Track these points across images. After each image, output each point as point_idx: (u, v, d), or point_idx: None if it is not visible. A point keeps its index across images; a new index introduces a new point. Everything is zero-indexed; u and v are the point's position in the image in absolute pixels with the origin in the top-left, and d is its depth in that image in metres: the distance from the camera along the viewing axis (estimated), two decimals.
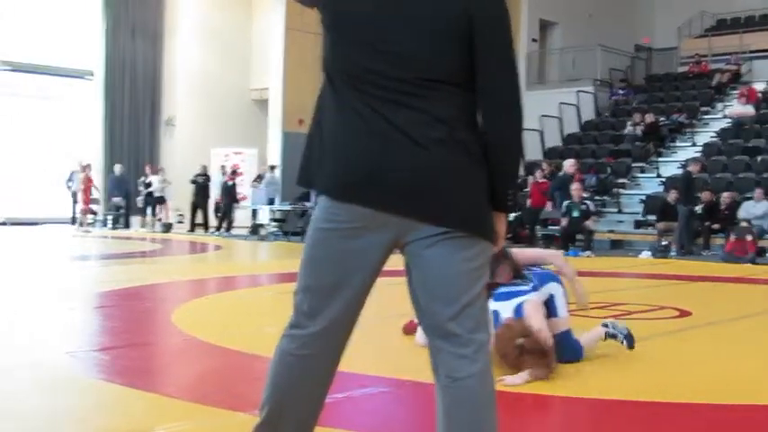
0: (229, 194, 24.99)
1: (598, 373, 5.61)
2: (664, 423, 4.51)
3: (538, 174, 21.30)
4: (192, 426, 4.19)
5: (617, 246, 21.22)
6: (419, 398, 4.89)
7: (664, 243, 19.13)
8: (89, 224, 25.35)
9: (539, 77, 31.48)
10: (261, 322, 7.61)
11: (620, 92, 29.97)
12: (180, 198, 26.84)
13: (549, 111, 27.75)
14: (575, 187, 19.42)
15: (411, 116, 2.64)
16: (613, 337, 5.99)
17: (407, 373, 5.40)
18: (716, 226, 19.31)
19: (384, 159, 2.64)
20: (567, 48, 31.40)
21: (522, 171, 25.06)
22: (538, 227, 20.80)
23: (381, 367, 5.63)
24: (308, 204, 22.06)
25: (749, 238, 16.95)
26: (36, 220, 26.85)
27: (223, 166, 26.43)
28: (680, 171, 21.48)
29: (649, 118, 25.88)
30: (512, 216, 21.47)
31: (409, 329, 6.53)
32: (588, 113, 29.11)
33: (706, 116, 27.53)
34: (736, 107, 25.50)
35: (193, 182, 25.82)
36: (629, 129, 26.21)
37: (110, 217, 27.05)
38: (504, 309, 5.52)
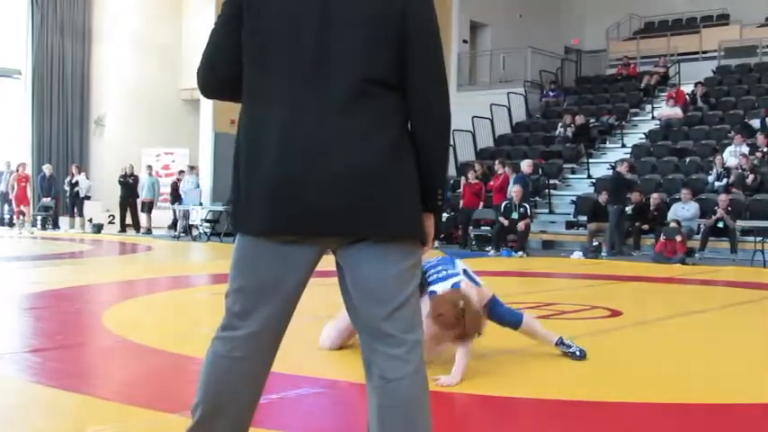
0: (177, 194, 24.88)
1: (529, 373, 5.63)
2: (593, 422, 4.54)
3: (470, 174, 21.38)
4: (124, 428, 4.14)
5: (549, 246, 21.42)
6: (352, 398, 4.87)
7: (595, 243, 19.35)
8: (20, 225, 24.77)
9: (470, 79, 31.68)
10: (193, 323, 7.55)
11: (551, 93, 30.24)
12: (110, 198, 26.55)
13: (480, 112, 27.89)
14: (515, 189, 19.53)
15: (337, 122, 2.63)
16: (567, 347, 5.99)
17: (341, 373, 5.39)
18: (645, 227, 19.57)
19: (306, 175, 2.61)
20: (497, 49, 31.60)
21: (453, 172, 25.22)
22: (470, 227, 20.87)
23: (315, 368, 5.60)
24: None
25: (678, 238, 17.19)
26: None
27: (149, 166, 26.21)
28: (610, 172, 21.73)
29: (579, 119, 26.17)
30: (445, 217, 21.61)
31: None
32: (519, 115, 29.33)
33: (635, 118, 27.93)
34: (665, 109, 25.89)
35: (121, 182, 25.54)
36: (559, 130, 26.48)
37: (39, 218, 26.63)
38: (442, 289, 5.51)
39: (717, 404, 4.91)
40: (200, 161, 26.31)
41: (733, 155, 21.07)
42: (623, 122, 27.15)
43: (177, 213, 24.67)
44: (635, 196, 19.97)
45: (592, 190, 22.56)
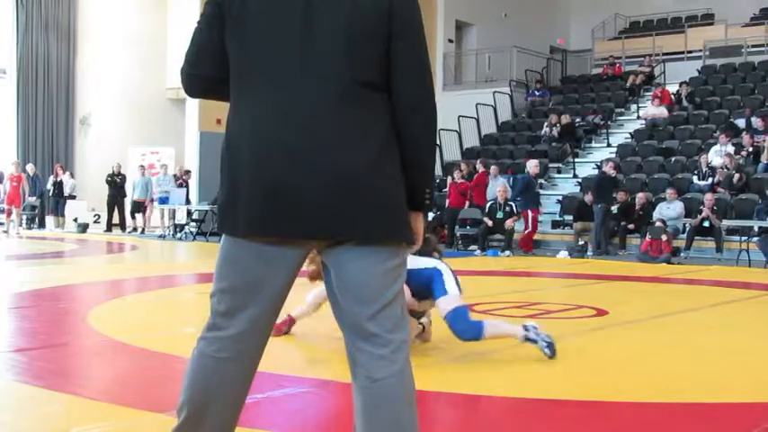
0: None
1: (515, 372, 5.64)
2: (580, 422, 4.54)
3: (456, 174, 21.39)
4: (110, 427, 4.13)
5: (535, 245, 21.40)
6: (339, 398, 4.86)
7: (581, 243, 19.37)
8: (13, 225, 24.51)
9: (455, 78, 31.71)
10: (179, 323, 7.53)
11: (536, 93, 30.28)
12: (95, 197, 26.48)
13: (466, 111, 27.93)
14: (500, 189, 19.55)
15: (324, 124, 2.64)
16: (533, 342, 5.88)
17: (327, 372, 5.39)
18: (631, 226, 19.62)
19: (291, 177, 2.62)
20: (483, 49, 31.65)
21: (439, 171, 25.24)
22: (456, 227, 20.88)
23: (301, 367, 5.59)
24: None
25: (664, 238, 17.22)
26: None
27: (142, 166, 26.16)
28: (596, 172, 21.77)
29: (565, 119, 26.21)
30: (431, 216, 21.62)
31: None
32: (505, 114, 29.38)
33: (620, 117, 27.99)
34: (650, 108, 25.95)
35: (108, 181, 25.47)
36: (545, 130, 26.51)
37: (24, 217, 26.52)
38: None
39: (703, 403, 4.92)
40: (185, 160, 26.26)
41: (718, 154, 21.13)
42: (609, 122, 27.20)
43: (167, 213, 24.59)
44: (620, 196, 20.01)
45: (578, 189, 22.59)
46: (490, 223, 19.20)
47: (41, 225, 26.58)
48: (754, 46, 29.05)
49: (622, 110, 28.34)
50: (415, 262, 5.57)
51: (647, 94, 27.94)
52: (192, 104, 25.18)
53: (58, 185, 26.00)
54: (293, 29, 2.67)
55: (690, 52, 30.46)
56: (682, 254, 18.05)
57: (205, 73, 2.81)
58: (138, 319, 8.20)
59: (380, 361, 2.70)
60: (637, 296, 11.51)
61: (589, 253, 18.93)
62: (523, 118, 29.46)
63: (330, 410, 4.80)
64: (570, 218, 20.89)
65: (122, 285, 11.25)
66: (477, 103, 28.30)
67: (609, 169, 20.20)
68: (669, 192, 19.34)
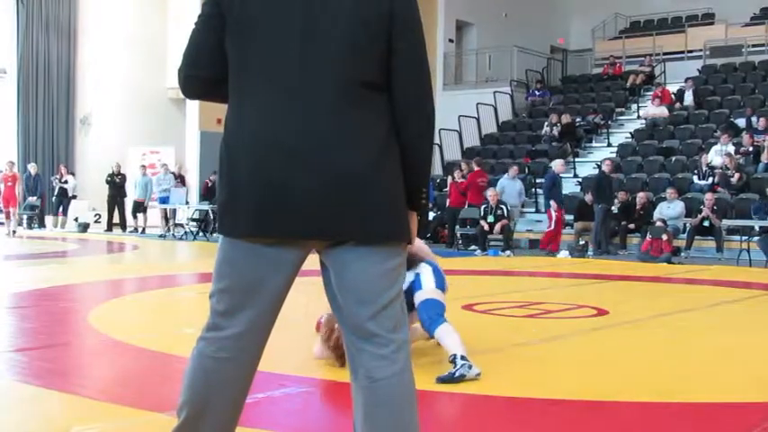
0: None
1: (515, 371, 5.64)
2: (581, 421, 4.54)
3: (456, 174, 21.39)
4: (110, 427, 4.13)
5: (535, 245, 21.41)
6: (339, 398, 4.86)
7: (581, 242, 19.37)
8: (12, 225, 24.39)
9: (456, 78, 31.72)
10: (179, 322, 7.54)
11: (537, 93, 30.29)
12: (96, 197, 26.48)
13: (466, 111, 27.94)
14: (490, 193, 19.56)
15: (324, 125, 2.64)
16: (453, 363, 5.25)
17: (327, 372, 5.38)
18: (631, 226, 19.62)
19: (291, 178, 2.62)
20: (483, 49, 31.65)
21: (440, 171, 25.26)
22: (457, 227, 20.87)
23: (301, 366, 5.59)
24: None
25: (664, 237, 17.22)
26: None
27: (143, 166, 26.16)
28: (596, 171, 21.77)
29: (566, 119, 26.22)
30: (431, 216, 21.65)
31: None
32: (505, 114, 29.38)
33: (621, 117, 28.00)
34: (651, 108, 25.96)
35: (108, 181, 25.46)
36: (545, 129, 26.53)
37: (24, 217, 26.50)
38: None
39: (704, 403, 4.92)
40: (186, 160, 26.26)
41: (719, 154, 21.13)
42: (609, 122, 27.21)
43: (169, 213, 24.57)
44: (621, 195, 20.01)
45: (578, 189, 22.58)
46: (486, 226, 19.21)
47: (41, 225, 26.57)
48: (754, 45, 29.04)
49: (623, 109, 28.35)
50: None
51: (648, 93, 27.94)
52: (193, 104, 25.21)
53: (63, 186, 25.95)
54: (294, 29, 2.66)
55: (690, 52, 30.45)
56: (682, 253, 18.05)
57: (203, 74, 2.79)
58: (139, 318, 8.21)
59: (381, 361, 2.70)
60: (637, 296, 11.51)
61: (590, 252, 18.93)
62: (524, 118, 29.47)
63: (330, 410, 4.80)
64: (571, 217, 20.88)
65: (123, 285, 11.26)
66: (477, 103, 28.31)
67: (605, 167, 20.21)
68: (670, 191, 19.34)
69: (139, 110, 29.37)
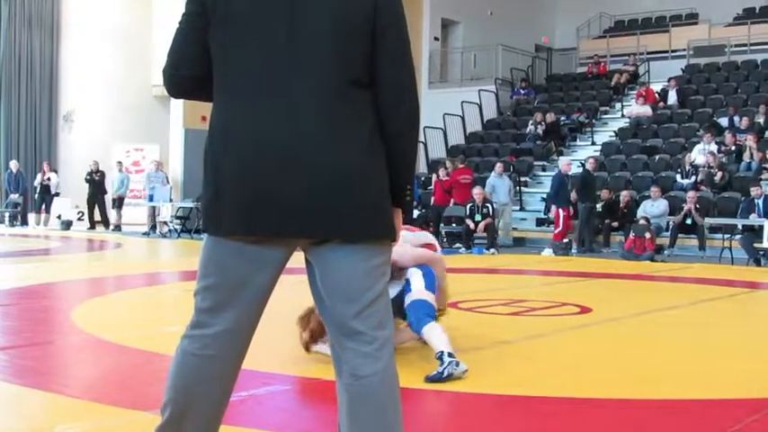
0: None
1: (500, 368, 5.65)
2: (565, 418, 4.56)
3: (441, 172, 21.40)
4: (93, 426, 4.11)
5: (519, 243, 21.47)
6: (323, 396, 4.86)
7: (565, 240, 19.40)
8: None
9: (441, 76, 31.71)
10: (163, 320, 7.53)
11: (522, 91, 30.32)
12: (79, 195, 26.37)
13: (451, 109, 27.96)
14: (476, 192, 19.58)
15: (310, 124, 2.64)
16: (440, 360, 5.25)
17: (311, 370, 5.38)
18: (615, 224, 19.68)
19: (276, 176, 2.62)
20: (468, 47, 31.67)
21: (425, 169, 25.27)
22: (441, 225, 20.88)
23: (286, 365, 5.59)
24: None
25: (648, 235, 17.27)
26: None
27: (120, 162, 26.05)
28: (580, 170, 21.83)
29: (550, 117, 26.27)
30: (416, 214, 21.66)
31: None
32: (490, 112, 29.40)
33: (605, 116, 28.07)
34: (634, 107, 26.04)
35: (87, 179, 25.29)
36: (530, 128, 26.56)
37: (7, 214, 26.39)
38: None
39: (686, 400, 4.94)
40: (170, 157, 26.17)
41: (702, 153, 21.21)
42: (593, 120, 27.28)
43: (155, 210, 24.45)
44: (604, 193, 20.06)
45: None
46: (472, 225, 19.24)
47: (24, 222, 26.45)
48: (737, 45, 29.17)
49: (607, 108, 28.42)
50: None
51: (632, 92, 28.02)
52: (177, 101, 25.10)
53: (46, 183, 25.84)
54: (279, 27, 2.67)
55: (674, 51, 30.54)
56: (665, 251, 18.10)
57: (188, 73, 2.79)
58: (123, 316, 8.18)
59: (365, 358, 2.71)
60: (620, 294, 11.55)
61: (573, 251, 18.97)
62: (509, 116, 29.50)
63: (315, 408, 4.80)
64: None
65: (106, 283, 11.22)
66: (462, 101, 28.33)
67: (589, 165, 20.26)
68: (653, 190, 19.40)
69: (123, 107, 29.24)
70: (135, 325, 7.46)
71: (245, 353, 2.85)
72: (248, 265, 2.72)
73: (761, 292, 12.14)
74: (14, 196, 25.98)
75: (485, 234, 19.31)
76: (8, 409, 4.50)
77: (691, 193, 18.66)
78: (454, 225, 20.61)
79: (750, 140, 20.86)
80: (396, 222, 2.81)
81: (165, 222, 23.98)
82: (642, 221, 17.98)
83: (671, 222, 18.85)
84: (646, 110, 25.54)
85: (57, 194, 26.21)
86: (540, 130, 26.12)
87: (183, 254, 17.41)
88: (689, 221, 18.38)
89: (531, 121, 26.78)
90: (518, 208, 23.25)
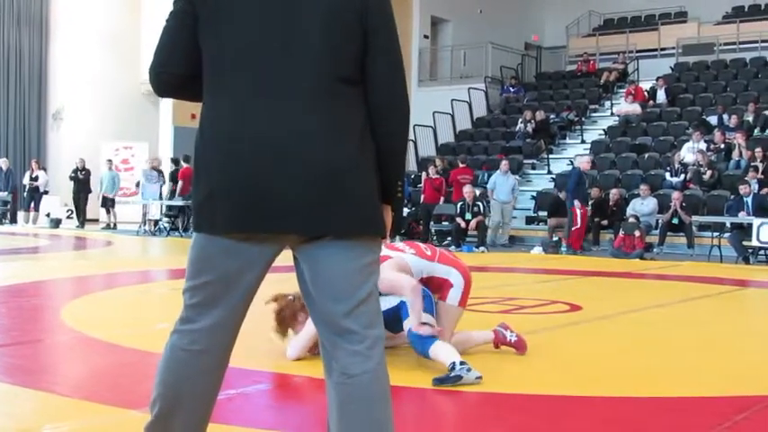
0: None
1: (490, 367, 5.64)
2: (555, 416, 4.57)
3: (431, 170, 21.40)
4: (83, 424, 4.11)
5: (509, 241, 21.46)
6: (313, 394, 4.87)
7: (555, 239, 19.42)
8: None
9: (431, 74, 31.73)
10: (153, 319, 7.51)
11: (511, 89, 30.33)
12: (68, 193, 26.31)
13: (441, 107, 27.96)
14: (467, 190, 19.57)
15: (301, 121, 2.65)
16: (456, 376, 5.20)
17: (302, 369, 5.38)
18: (604, 222, 19.70)
19: (267, 174, 2.63)
20: (458, 45, 31.68)
21: (414, 167, 25.26)
22: (431, 222, 20.88)
23: (275, 363, 5.58)
24: None
25: (637, 233, 17.29)
26: None
27: (110, 161, 25.96)
28: (570, 168, 21.84)
29: (540, 115, 26.28)
30: (405, 212, 21.64)
31: None
32: (480, 110, 29.41)
33: (594, 114, 28.10)
34: (624, 105, 26.07)
35: (72, 177, 25.17)
36: (519, 126, 26.58)
37: None
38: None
39: (675, 397, 4.95)
40: (159, 155, 26.12)
41: (691, 151, 21.26)
42: (583, 118, 27.31)
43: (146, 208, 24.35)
44: (594, 192, 20.08)
45: (552, 185, 22.66)
46: (463, 224, 19.23)
47: (13, 220, 26.37)
48: (726, 44, 29.23)
49: (596, 106, 28.44)
50: (382, 303, 5.54)
51: (621, 90, 28.04)
52: (167, 99, 25.05)
53: (34, 181, 25.77)
54: (271, 25, 2.67)
55: (663, 50, 30.60)
56: (654, 249, 18.13)
57: (176, 71, 2.78)
58: (113, 315, 8.16)
59: (356, 357, 2.71)
60: (610, 292, 11.57)
61: (563, 249, 18.99)
62: (498, 114, 29.52)
63: (304, 406, 4.80)
64: (544, 214, 20.96)
65: (96, 281, 11.19)
66: (452, 99, 28.34)
67: (584, 166, 20.27)
68: (643, 188, 19.41)
69: (112, 105, 29.20)
70: (124, 323, 7.44)
71: (231, 348, 2.85)
72: (239, 262, 2.72)
73: (750, 290, 12.17)
74: (3, 194, 25.89)
75: (475, 232, 19.32)
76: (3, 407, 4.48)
77: (676, 194, 18.65)
78: (447, 223, 20.58)
79: (739, 138, 20.91)
80: (386, 218, 2.82)
81: (157, 221, 23.87)
82: (631, 220, 18.00)
83: (660, 220, 18.87)
84: (635, 108, 25.58)
85: (45, 193, 26.13)
86: (529, 128, 26.13)
87: (173, 252, 17.38)
88: (675, 220, 18.40)
89: (520, 120, 26.79)
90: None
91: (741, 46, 28.88)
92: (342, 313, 2.71)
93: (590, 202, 19.83)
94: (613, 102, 27.64)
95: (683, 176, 20.48)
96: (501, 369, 5.64)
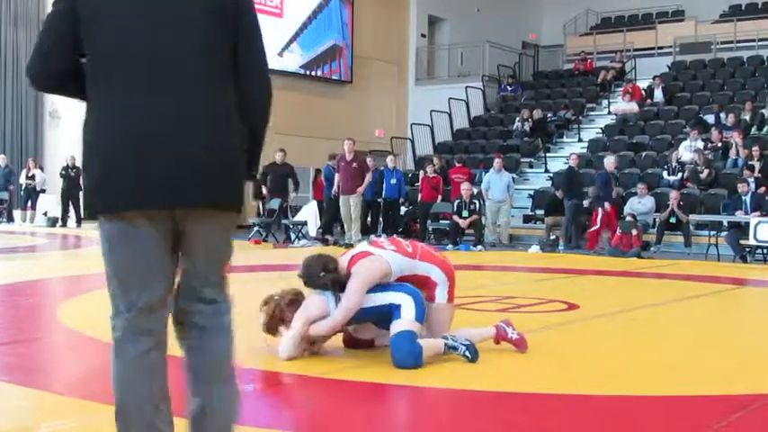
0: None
1: (487, 366, 5.65)
2: (552, 414, 4.57)
3: (429, 168, 21.38)
4: (80, 423, 4.11)
5: (510, 240, 21.46)
6: (311, 393, 4.87)
7: (552, 237, 19.42)
8: None
9: (428, 73, 31.75)
10: None
11: (508, 88, 30.34)
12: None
13: (438, 106, 27.97)
14: (465, 188, 19.55)
15: (183, 107, 2.89)
16: (454, 349, 5.62)
17: (297, 368, 5.37)
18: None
19: (149, 158, 2.84)
20: (455, 44, 31.70)
21: (411, 165, 25.26)
22: (429, 221, 20.86)
23: (272, 362, 5.58)
24: None
25: (634, 232, 17.30)
26: None
27: None
28: (566, 166, 21.84)
29: (537, 114, 26.30)
30: (403, 210, 21.66)
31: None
32: (477, 109, 29.43)
33: (592, 113, 28.11)
34: (621, 104, 26.07)
35: (63, 175, 25.07)
36: (517, 124, 26.60)
37: None
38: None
39: (673, 396, 4.96)
40: None
41: (688, 150, 21.28)
42: (580, 117, 27.31)
43: None
44: (592, 190, 20.10)
45: (549, 184, 22.67)
46: (461, 222, 19.19)
47: (9, 219, 26.32)
48: (723, 42, 29.25)
49: (593, 105, 28.45)
50: (373, 299, 5.57)
51: (618, 89, 28.04)
52: None
53: (31, 180, 25.72)
54: (149, 20, 2.88)
55: (660, 48, 30.60)
56: (652, 248, 18.14)
57: (55, 66, 2.94)
58: (108, 314, 8.12)
59: (214, 318, 3.05)
60: (607, 290, 11.58)
61: (560, 247, 18.99)
62: (495, 113, 29.52)
63: (298, 405, 4.80)
64: (542, 212, 20.96)
65: (92, 280, 11.16)
66: (449, 98, 28.33)
67: (572, 162, 20.30)
68: (640, 187, 19.41)
69: None
70: None
71: (167, 333, 3.04)
72: (145, 247, 2.92)
73: (747, 288, 12.19)
74: (1, 193, 25.84)
75: (472, 231, 19.32)
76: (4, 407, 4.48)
77: (674, 193, 18.65)
78: (446, 220, 20.50)
79: (736, 137, 20.92)
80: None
81: None
82: (629, 218, 18.01)
83: (657, 219, 18.88)
84: (632, 107, 25.58)
85: (42, 191, 26.07)
86: (526, 126, 26.15)
87: None
88: (673, 219, 18.40)
89: (517, 118, 26.82)
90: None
91: (738, 44, 28.90)
92: (202, 282, 3.03)
93: (588, 201, 19.84)
94: (611, 100, 27.63)
95: (680, 175, 20.50)
96: (498, 367, 5.64)
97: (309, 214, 21.03)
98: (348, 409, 4.58)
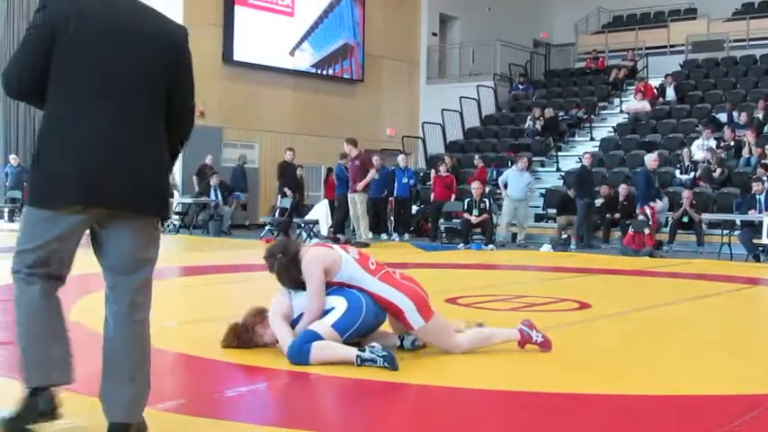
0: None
1: (497, 365, 5.64)
2: (564, 414, 4.56)
3: (441, 168, 21.35)
4: (92, 420, 4.15)
5: (515, 239, 21.44)
6: (323, 391, 4.87)
7: (564, 236, 19.39)
8: None
9: (439, 72, 31.73)
10: (161, 315, 7.48)
11: (520, 87, 30.31)
12: None
13: (449, 105, 27.96)
14: (475, 186, 19.50)
15: (123, 135, 3.53)
16: (372, 362, 5.23)
17: (310, 366, 5.35)
18: (617, 215, 19.65)
19: (94, 162, 3.48)
20: (466, 42, 31.68)
21: (423, 165, 25.24)
22: (441, 220, 20.83)
23: (283, 360, 5.57)
24: (209, 198, 21.99)
25: (647, 231, 17.26)
26: None
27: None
28: (579, 165, 21.80)
29: (548, 113, 26.27)
30: (415, 209, 21.65)
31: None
32: (489, 108, 29.40)
33: (603, 111, 28.05)
34: (633, 102, 26.00)
35: None
36: (528, 123, 26.57)
37: (6, 210, 26.29)
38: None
39: (685, 396, 4.94)
40: None
41: (700, 148, 21.22)
42: (592, 116, 27.27)
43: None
44: (603, 189, 20.06)
45: (561, 183, 22.63)
46: (473, 219, 19.14)
47: None
48: (735, 41, 29.15)
49: (605, 104, 28.40)
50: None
51: (630, 88, 27.97)
52: None
53: None
54: (108, 64, 3.50)
55: (672, 46, 30.50)
56: (664, 247, 18.09)
57: (33, 77, 3.48)
58: None
59: (128, 314, 4.05)
60: (620, 290, 11.55)
61: (572, 246, 18.97)
62: (507, 112, 29.49)
63: (315, 403, 4.79)
64: (554, 211, 20.92)
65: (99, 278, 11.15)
66: (460, 97, 28.31)
67: (585, 161, 20.24)
68: None
69: None
70: None
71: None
72: (65, 229, 3.61)
73: (760, 288, 12.14)
74: (13, 192, 25.89)
75: (479, 229, 19.28)
76: (5, 404, 4.47)
77: (686, 192, 18.61)
78: (458, 219, 20.41)
79: (749, 136, 20.87)
80: None
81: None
82: (641, 217, 17.96)
83: (670, 218, 18.83)
84: (644, 105, 25.52)
85: None
86: (538, 125, 26.12)
87: (182, 249, 17.36)
88: (685, 219, 18.35)
89: (529, 117, 26.79)
90: None
91: (751, 43, 28.78)
92: (125, 279, 3.91)
93: (600, 200, 19.80)
94: (623, 99, 27.58)
95: (692, 174, 20.45)
96: (509, 366, 5.64)
97: (321, 213, 21.00)
98: (354, 407, 4.60)
